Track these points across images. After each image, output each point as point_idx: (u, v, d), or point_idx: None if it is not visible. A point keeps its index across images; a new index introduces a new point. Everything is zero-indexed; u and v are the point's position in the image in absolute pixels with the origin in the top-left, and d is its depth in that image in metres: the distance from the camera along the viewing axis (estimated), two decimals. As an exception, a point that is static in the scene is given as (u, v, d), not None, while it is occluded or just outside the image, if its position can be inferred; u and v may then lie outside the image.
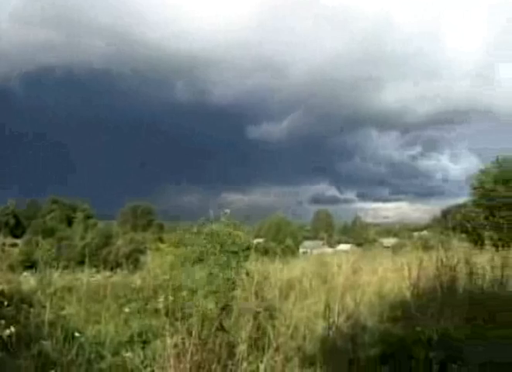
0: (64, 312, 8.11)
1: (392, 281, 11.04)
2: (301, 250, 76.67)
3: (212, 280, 7.87)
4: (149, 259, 13.97)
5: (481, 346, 6.30)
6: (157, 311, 6.47)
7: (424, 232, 59.30)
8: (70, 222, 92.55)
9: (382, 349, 6.88)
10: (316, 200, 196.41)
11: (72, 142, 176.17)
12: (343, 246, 76.96)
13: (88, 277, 11.07)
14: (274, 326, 6.69)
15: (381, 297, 9.95)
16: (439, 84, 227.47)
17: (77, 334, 6.51)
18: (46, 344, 6.16)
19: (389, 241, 69.91)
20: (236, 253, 8.24)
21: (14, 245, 77.88)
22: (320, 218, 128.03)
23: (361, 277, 11.32)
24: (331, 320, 7.47)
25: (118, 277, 13.01)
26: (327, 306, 7.74)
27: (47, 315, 7.18)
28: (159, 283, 8.80)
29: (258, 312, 7.03)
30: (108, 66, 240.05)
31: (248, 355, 5.83)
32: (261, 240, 74.31)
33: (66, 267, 12.35)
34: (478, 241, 21.20)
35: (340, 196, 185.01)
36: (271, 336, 6.14)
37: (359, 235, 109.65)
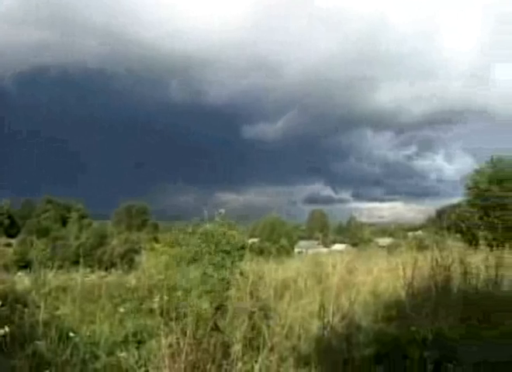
0: (58, 312, 8.09)
1: (386, 281, 11.06)
2: (296, 250, 76.72)
3: (207, 280, 7.87)
4: (144, 259, 13.96)
5: (475, 345, 6.32)
6: (151, 311, 6.48)
7: (419, 232, 59.35)
8: (64, 222, 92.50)
9: (376, 348, 6.89)
10: (311, 200, 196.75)
11: (67, 142, 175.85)
12: (338, 246, 77.05)
13: (82, 277, 11.05)
14: (269, 326, 6.68)
15: (376, 296, 9.97)
16: (434, 84, 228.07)
17: (71, 334, 6.50)
18: (41, 344, 6.15)
19: (384, 241, 69.92)
20: (230, 252, 8.25)
21: (8, 245, 77.96)
22: (314, 218, 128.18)
23: (356, 277, 11.34)
24: (326, 320, 7.47)
25: (113, 277, 12.99)
26: (322, 306, 7.75)
27: (42, 315, 7.17)
28: (154, 283, 8.80)
29: (253, 312, 7.03)
30: (103, 65, 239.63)
31: (243, 355, 5.83)
32: (255, 240, 74.34)
33: (60, 267, 12.33)
34: (472, 241, 21.23)
35: (335, 196, 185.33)
36: (266, 336, 6.14)
37: (354, 235, 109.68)
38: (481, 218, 26.57)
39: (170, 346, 5.09)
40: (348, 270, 11.73)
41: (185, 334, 5.13)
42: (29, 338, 6.43)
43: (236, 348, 5.80)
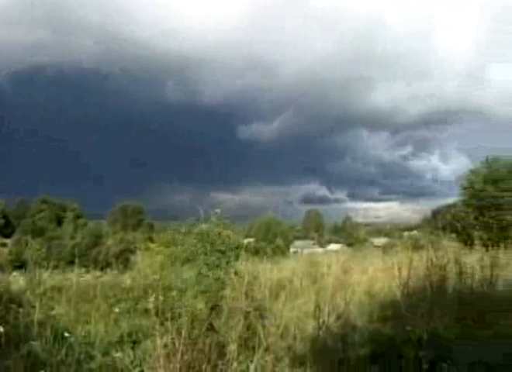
0: (53, 312, 8.07)
1: (382, 281, 11.08)
2: (291, 250, 76.81)
3: (202, 280, 7.86)
4: (139, 259, 13.94)
5: (470, 345, 6.33)
6: (147, 311, 6.46)
7: (414, 232, 59.46)
8: (59, 222, 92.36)
9: (371, 348, 6.90)
10: (306, 200, 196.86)
11: (62, 142, 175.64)
12: (333, 246, 77.09)
13: (77, 277, 11.03)
14: (264, 326, 6.68)
15: (371, 296, 9.98)
16: (430, 84, 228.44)
17: (66, 334, 6.49)
18: (36, 344, 6.14)
19: (380, 241, 69.97)
20: (225, 252, 8.24)
21: (3, 244, 77.78)
22: (310, 218, 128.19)
23: (351, 277, 11.35)
24: (321, 320, 7.47)
25: (108, 276, 12.99)
26: (317, 306, 7.74)
27: (37, 315, 7.15)
28: (149, 283, 8.78)
29: (248, 312, 7.02)
30: (98, 65, 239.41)
31: (238, 355, 5.83)
32: (251, 240, 74.34)
33: (56, 267, 12.30)
34: (467, 241, 21.32)
35: (331, 196, 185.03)
36: (262, 336, 6.13)
37: (350, 235, 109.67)
38: (476, 218, 26.61)
39: (165, 346, 5.08)
40: (344, 270, 11.74)
41: (180, 334, 5.13)
42: (23, 338, 6.42)
43: (232, 348, 5.80)
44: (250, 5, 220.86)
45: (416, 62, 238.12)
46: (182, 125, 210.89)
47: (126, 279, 10.65)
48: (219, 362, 5.50)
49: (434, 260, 8.77)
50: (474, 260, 9.67)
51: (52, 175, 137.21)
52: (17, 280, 11.16)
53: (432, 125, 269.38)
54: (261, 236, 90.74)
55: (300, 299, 9.60)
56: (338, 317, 7.79)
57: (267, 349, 6.02)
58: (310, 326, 7.77)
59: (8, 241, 79.13)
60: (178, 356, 5.01)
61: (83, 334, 7.23)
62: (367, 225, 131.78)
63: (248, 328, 6.75)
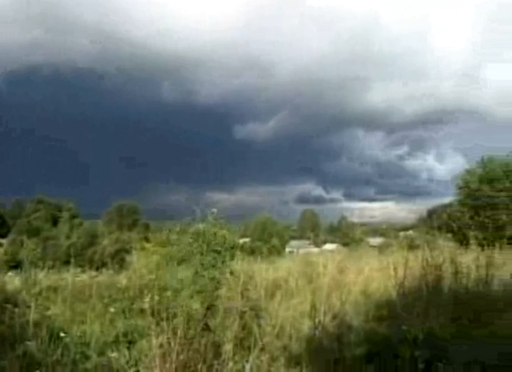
0: (49, 312, 8.07)
1: (378, 281, 11.09)
2: (287, 250, 76.81)
3: (198, 280, 7.86)
4: (134, 258, 13.92)
5: (466, 345, 6.35)
6: (142, 311, 6.46)
7: (410, 232, 59.51)
8: (55, 222, 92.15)
9: (367, 348, 6.91)
10: (302, 200, 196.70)
11: (58, 141, 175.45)
12: (329, 246, 77.14)
13: (73, 277, 11.02)
14: (260, 326, 6.69)
15: (367, 296, 9.99)
16: (425, 84, 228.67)
17: (62, 334, 6.49)
18: (31, 344, 6.14)
19: (375, 240, 70.07)
20: (221, 252, 8.24)
21: (-1, 244, 77.48)
22: (306, 217, 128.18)
23: (347, 277, 11.35)
24: (317, 319, 7.48)
25: (103, 276, 12.97)
26: (313, 306, 7.76)
27: (32, 315, 7.14)
28: (145, 283, 8.78)
29: (244, 312, 7.02)
30: (94, 64, 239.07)
31: (234, 354, 5.83)
32: (247, 240, 74.34)
33: (51, 267, 12.28)
34: (463, 240, 21.31)
35: (327, 196, 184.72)
36: (257, 336, 6.13)
37: (345, 234, 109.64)
38: (471, 217, 26.65)
39: (161, 346, 5.08)
40: (339, 269, 11.73)
41: (175, 334, 5.13)
42: (19, 338, 6.42)
43: (227, 348, 5.80)
44: (246, 4, 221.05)
45: (412, 62, 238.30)
46: (178, 125, 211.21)
47: (122, 279, 10.64)
48: (215, 362, 5.50)
49: (430, 259, 8.79)
50: (469, 260, 9.69)
51: (48, 175, 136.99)
52: (12, 280, 11.15)
53: (428, 124, 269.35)
54: (256, 236, 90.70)
55: (296, 299, 9.60)
56: (334, 317, 7.80)
57: (262, 349, 6.03)
58: (306, 326, 7.77)
59: (3, 241, 78.96)
60: (174, 355, 5.01)
61: (78, 334, 7.22)
62: (363, 224, 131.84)
63: (244, 327, 6.75)
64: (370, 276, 11.84)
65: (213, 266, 8.08)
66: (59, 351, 6.15)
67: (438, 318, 7.11)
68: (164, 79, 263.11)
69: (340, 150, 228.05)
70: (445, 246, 14.19)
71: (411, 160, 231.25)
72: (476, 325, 7.22)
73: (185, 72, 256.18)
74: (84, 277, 12.78)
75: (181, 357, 5.08)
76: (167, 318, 5.30)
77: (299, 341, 7.35)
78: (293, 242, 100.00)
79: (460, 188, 28.58)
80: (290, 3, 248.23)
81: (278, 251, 66.31)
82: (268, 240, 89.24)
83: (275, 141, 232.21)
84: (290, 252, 63.15)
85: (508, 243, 16.97)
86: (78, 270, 13.29)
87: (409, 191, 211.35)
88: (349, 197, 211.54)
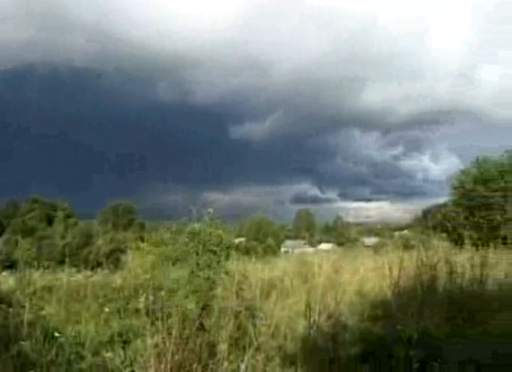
0: (43, 312, 8.06)
1: (372, 280, 11.11)
2: (282, 250, 76.77)
3: (193, 280, 7.86)
4: (130, 258, 13.91)
5: (460, 344, 6.36)
6: (137, 310, 6.45)
7: (405, 232, 59.65)
8: (50, 222, 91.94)
9: (362, 347, 6.91)
10: (297, 199, 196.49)
11: (55, 141, 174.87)
12: (324, 246, 77.21)
13: (68, 277, 10.99)
14: (255, 325, 6.69)
15: (362, 296, 10.01)
16: (422, 84, 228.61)
17: (56, 334, 6.49)
18: (26, 344, 6.12)
19: (371, 240, 70.13)
20: (216, 252, 8.24)
21: (-7, 244, 77.21)
22: (301, 217, 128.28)
23: (342, 277, 11.36)
24: (312, 319, 7.48)
25: (98, 276, 12.95)
26: (308, 305, 7.75)
27: (26, 315, 7.12)
28: (140, 282, 8.78)
29: (239, 312, 7.02)
30: (92, 64, 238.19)
31: (229, 354, 5.83)
32: (242, 239, 74.38)
33: (46, 267, 12.26)
34: (458, 240, 21.36)
35: (322, 196, 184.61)
36: (252, 336, 6.14)
37: (340, 234, 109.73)
38: (466, 217, 26.73)
39: (156, 345, 5.08)
40: (334, 269, 11.75)
41: (170, 334, 5.13)
42: (13, 338, 6.40)
43: (222, 347, 5.80)
44: (245, 4, 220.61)
45: (409, 62, 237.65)
46: (176, 125, 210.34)
47: (117, 279, 10.64)
48: (210, 361, 5.50)
49: (425, 259, 8.81)
50: (464, 260, 9.71)
51: (43, 174, 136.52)
52: (7, 280, 11.13)
53: (423, 125, 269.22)
54: (252, 236, 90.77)
55: (291, 298, 9.61)
56: (329, 316, 7.80)
57: (257, 349, 6.03)
58: (301, 326, 7.78)
59: (-2, 241, 78.86)
60: (169, 355, 5.01)
61: (73, 334, 7.21)
62: (358, 224, 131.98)
63: (239, 327, 6.75)
64: (365, 276, 11.86)
65: (208, 266, 8.09)
66: (53, 351, 6.14)
67: (433, 318, 7.13)
68: (163, 79, 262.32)
69: (336, 150, 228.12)
70: (440, 245, 14.20)
71: (406, 160, 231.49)
72: (471, 325, 7.24)
73: (183, 72, 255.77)
74: (79, 276, 12.75)
75: (176, 357, 5.08)
76: (162, 318, 5.30)
77: (294, 341, 7.35)
78: (288, 242, 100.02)
79: (455, 188, 28.66)
80: (289, 2, 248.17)
81: (273, 251, 66.35)
82: (264, 240, 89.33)
83: (272, 141, 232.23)
84: (285, 252, 63.13)
85: (502, 243, 17.04)
86: (73, 269, 13.25)
87: (404, 191, 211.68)
88: (344, 197, 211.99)
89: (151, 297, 5.87)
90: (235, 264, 9.30)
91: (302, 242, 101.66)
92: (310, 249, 59.70)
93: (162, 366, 4.98)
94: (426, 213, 54.60)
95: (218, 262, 8.21)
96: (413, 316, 6.84)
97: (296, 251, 47.78)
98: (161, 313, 5.38)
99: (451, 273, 8.92)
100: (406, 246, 17.01)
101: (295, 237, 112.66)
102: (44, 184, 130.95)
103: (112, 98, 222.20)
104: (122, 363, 5.86)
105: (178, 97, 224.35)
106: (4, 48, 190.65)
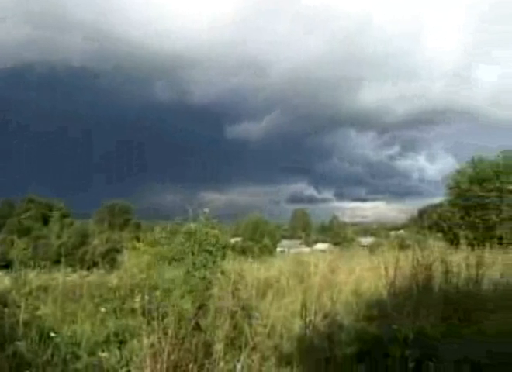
0: (39, 312, 8.03)
1: (368, 280, 11.11)
2: (278, 249, 76.80)
3: (189, 280, 7.86)
4: (125, 258, 13.89)
5: (456, 343, 6.38)
6: (133, 310, 6.45)
7: (401, 232, 59.74)
8: (46, 221, 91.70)
9: (358, 347, 6.91)
10: (294, 199, 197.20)
11: (52, 141, 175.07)
12: (320, 246, 77.14)
13: (64, 277, 10.97)
14: (251, 325, 6.69)
15: (357, 296, 10.01)
16: (417, 84, 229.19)
17: (52, 334, 6.48)
18: (21, 344, 6.12)
19: (366, 240, 70.21)
20: (212, 252, 8.24)
21: (-11, 244, 77.01)
22: (297, 217, 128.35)
23: (338, 276, 11.36)
24: (308, 319, 7.49)
25: (94, 276, 12.92)
26: (304, 305, 7.76)
27: (22, 315, 7.11)
28: (136, 282, 8.77)
29: (235, 311, 7.03)
30: (91, 63, 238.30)
31: (225, 354, 5.84)
32: (238, 239, 74.36)
33: (42, 267, 12.23)
34: (453, 240, 21.43)
35: (318, 195, 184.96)
36: (248, 335, 6.14)
37: (336, 234, 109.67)
38: (462, 217, 26.80)
39: (152, 345, 5.08)
40: (330, 269, 11.75)
41: (166, 334, 5.13)
42: (9, 338, 6.39)
43: (218, 347, 5.80)
44: (242, 4, 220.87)
45: (404, 62, 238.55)
46: (174, 124, 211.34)
47: (113, 278, 10.62)
48: (206, 361, 5.51)
49: (420, 259, 8.82)
50: (460, 260, 9.72)
51: (40, 173, 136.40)
52: (2, 280, 11.10)
53: (419, 125, 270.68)
54: (248, 236, 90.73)
55: (287, 298, 9.60)
56: (325, 316, 7.81)
57: (253, 349, 6.03)
58: (297, 325, 7.78)
59: (-7, 240, 78.62)
60: (165, 355, 5.01)
61: (69, 334, 7.19)
62: (354, 224, 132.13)
63: (235, 327, 6.75)
64: (361, 275, 11.86)
65: (204, 265, 8.09)
66: (49, 351, 6.13)
67: (428, 318, 7.14)
68: (161, 78, 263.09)
69: (332, 150, 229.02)
70: (436, 245, 14.20)
71: (402, 160, 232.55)
72: (466, 324, 7.26)
73: (181, 71, 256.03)
74: (75, 276, 12.72)
75: (172, 357, 5.09)
76: (158, 318, 5.30)
77: (290, 340, 7.35)
78: (284, 242, 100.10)
79: (451, 188, 28.73)
80: (285, 2, 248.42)
81: (269, 251, 66.39)
82: (260, 240, 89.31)
83: (268, 140, 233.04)
84: (281, 251, 63.14)
85: (498, 243, 17.06)
86: (69, 269, 13.22)
87: (400, 191, 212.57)
88: (340, 197, 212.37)
89: (147, 297, 5.88)
90: (231, 264, 9.30)
91: (299, 242, 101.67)
92: (306, 249, 59.68)
93: (158, 366, 4.98)
94: (421, 213, 54.67)
95: (214, 262, 8.22)
96: (408, 316, 6.85)
97: (292, 251, 47.75)
98: (157, 313, 5.37)
99: (446, 273, 8.94)
100: (402, 246, 17.02)
101: (291, 237, 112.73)
102: (41, 185, 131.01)
103: (110, 98, 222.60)
104: (118, 362, 5.86)
105: (176, 96, 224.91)
106: (3, 47, 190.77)
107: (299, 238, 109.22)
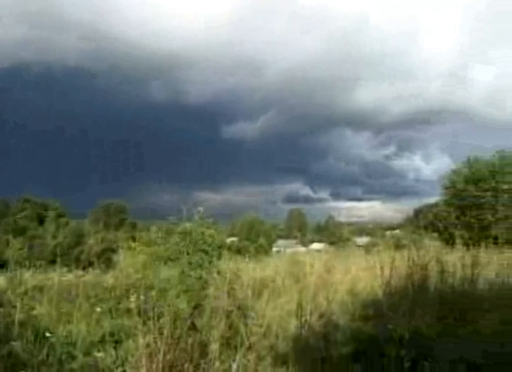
0: (34, 312, 8.02)
1: (364, 280, 11.11)
2: (274, 249, 76.76)
3: (184, 280, 7.85)
4: (121, 258, 13.87)
5: (451, 343, 6.38)
6: (129, 310, 6.44)
7: (397, 231, 59.85)
8: (41, 221, 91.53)
9: (354, 347, 6.92)
10: (289, 199, 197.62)
11: (49, 140, 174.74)
12: (316, 245, 77.20)
13: (59, 277, 10.95)
14: (246, 325, 6.69)
15: (353, 295, 10.01)
16: (413, 84, 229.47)
17: (48, 334, 6.46)
18: (17, 345, 6.10)
19: (362, 240, 70.36)
20: (208, 252, 8.24)
21: (-16, 244, 76.82)
22: (293, 217, 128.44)
23: (333, 276, 11.36)
24: (304, 319, 7.49)
25: (90, 276, 12.90)
26: (300, 305, 7.76)
27: (18, 315, 7.09)
28: (131, 282, 8.75)
29: (231, 311, 7.02)
30: (87, 63, 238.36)
31: (221, 354, 5.84)
32: (234, 239, 74.37)
33: (38, 267, 12.21)
34: (449, 240, 21.49)
35: (314, 195, 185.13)
36: (244, 335, 6.14)
37: (332, 234, 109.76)
38: (457, 217, 26.88)
39: (147, 345, 5.07)
40: (326, 269, 11.75)
41: (162, 333, 5.13)
42: (4, 338, 6.37)
43: (214, 347, 5.80)
44: (239, 4, 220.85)
45: (401, 62, 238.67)
46: (170, 124, 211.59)
47: (108, 278, 10.59)
48: (202, 361, 5.50)
49: (416, 259, 8.83)
50: (455, 259, 9.73)
51: (37, 173, 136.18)
52: (-3, 280, 11.07)
53: (415, 125, 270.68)
54: (244, 235, 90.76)
55: (283, 298, 9.60)
56: (320, 316, 7.82)
57: (249, 348, 6.03)
58: (293, 325, 7.78)
59: (-12, 240, 78.46)
60: (161, 355, 5.00)
61: (64, 334, 7.17)
62: (350, 224, 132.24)
63: (230, 327, 6.75)
64: (356, 275, 11.87)
65: (200, 265, 8.08)
66: (45, 351, 6.12)
67: (424, 317, 7.15)
68: (157, 78, 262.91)
69: (328, 150, 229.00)
70: (431, 245, 14.25)
71: (398, 160, 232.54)
72: (462, 324, 7.27)
73: (177, 71, 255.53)
74: (71, 276, 12.70)
75: (168, 357, 5.08)
76: (154, 318, 5.29)
77: (285, 340, 7.35)
78: (280, 242, 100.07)
79: (446, 188, 28.82)
80: (282, 2, 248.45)
81: (265, 250, 66.33)
82: (255, 239, 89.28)
83: (264, 140, 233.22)
84: (277, 251, 63.13)
85: (493, 243, 17.10)
86: (65, 269, 13.19)
87: (396, 191, 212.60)
88: (336, 196, 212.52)
89: (143, 297, 5.87)
90: (227, 264, 9.29)
91: (294, 241, 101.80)
92: (302, 249, 59.73)
93: (154, 366, 4.97)
94: (417, 213, 54.89)
95: (210, 261, 8.21)
96: (404, 315, 6.85)
97: (288, 251, 47.73)
98: (153, 313, 5.37)
99: (442, 272, 8.95)
100: (398, 246, 17.05)
101: (287, 237, 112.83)
102: (37, 184, 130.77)
103: (107, 97, 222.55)
104: (114, 362, 5.85)
105: (172, 96, 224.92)
106: (2, 47, 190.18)
107: (295, 238, 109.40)
